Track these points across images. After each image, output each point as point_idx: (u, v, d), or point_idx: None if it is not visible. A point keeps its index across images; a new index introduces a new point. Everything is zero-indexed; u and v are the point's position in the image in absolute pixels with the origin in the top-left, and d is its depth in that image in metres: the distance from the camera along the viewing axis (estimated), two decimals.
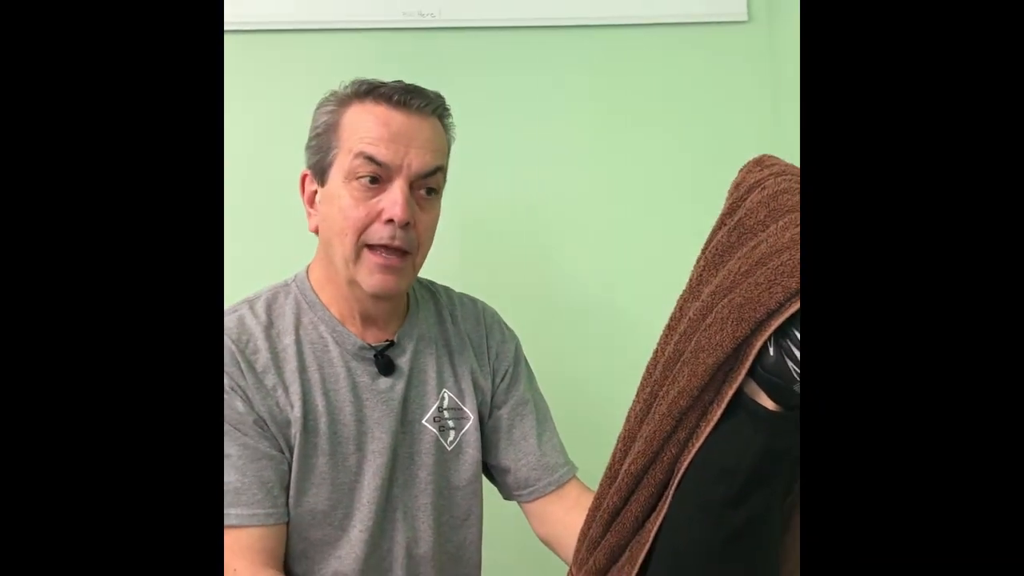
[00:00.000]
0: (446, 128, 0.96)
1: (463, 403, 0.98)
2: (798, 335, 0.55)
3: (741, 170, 0.67)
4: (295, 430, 0.88)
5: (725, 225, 0.63)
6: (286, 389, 0.88)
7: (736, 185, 0.66)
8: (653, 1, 1.50)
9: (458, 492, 0.97)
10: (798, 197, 0.59)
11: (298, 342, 0.91)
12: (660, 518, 0.62)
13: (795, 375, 0.56)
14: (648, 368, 0.65)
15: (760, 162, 0.67)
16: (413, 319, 0.98)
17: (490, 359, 1.02)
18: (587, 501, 0.72)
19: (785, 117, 1.52)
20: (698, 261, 0.65)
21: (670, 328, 0.64)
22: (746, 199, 0.63)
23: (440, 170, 0.92)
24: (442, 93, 0.96)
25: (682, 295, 0.65)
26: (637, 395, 0.65)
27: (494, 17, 1.47)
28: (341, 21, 1.41)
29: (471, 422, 0.98)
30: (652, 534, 0.63)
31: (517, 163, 1.51)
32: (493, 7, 1.46)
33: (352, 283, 0.90)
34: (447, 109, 0.96)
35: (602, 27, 1.51)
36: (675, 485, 0.62)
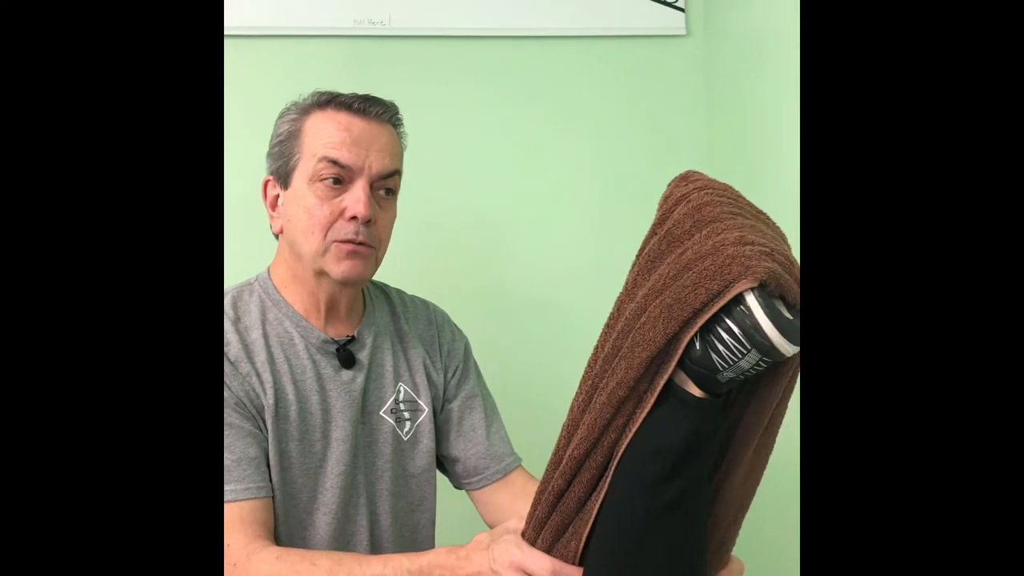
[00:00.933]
0: (400, 135, 1.01)
1: (418, 396, 1.03)
2: (720, 330, 0.62)
3: (669, 184, 0.74)
4: (268, 416, 0.92)
5: (656, 234, 0.70)
6: (259, 377, 0.93)
7: (665, 198, 0.73)
8: (597, 14, 1.56)
9: (413, 479, 1.02)
10: (719, 209, 0.67)
11: (265, 336, 0.95)
12: (601, 496, 0.69)
13: (718, 365, 0.63)
14: (589, 362, 0.71)
15: (685, 178, 0.74)
16: (371, 316, 1.03)
17: (441, 356, 1.08)
18: (532, 489, 0.78)
19: (718, 125, 1.61)
20: (633, 266, 0.71)
21: (609, 326, 0.70)
22: (674, 211, 0.70)
23: (397, 173, 0.98)
24: (394, 101, 1.01)
25: (619, 296, 0.71)
26: (580, 387, 0.71)
27: (442, 26, 1.51)
28: (293, 28, 1.44)
29: (425, 414, 1.03)
30: (594, 511, 0.69)
31: (465, 168, 1.55)
32: (441, 17, 1.51)
33: (320, 273, 0.95)
34: (400, 118, 1.02)
35: (547, 38, 1.57)
36: (614, 466, 0.68)
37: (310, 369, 0.96)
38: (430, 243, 1.49)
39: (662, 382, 0.65)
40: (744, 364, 0.62)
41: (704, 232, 0.65)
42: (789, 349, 0.61)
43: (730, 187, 0.72)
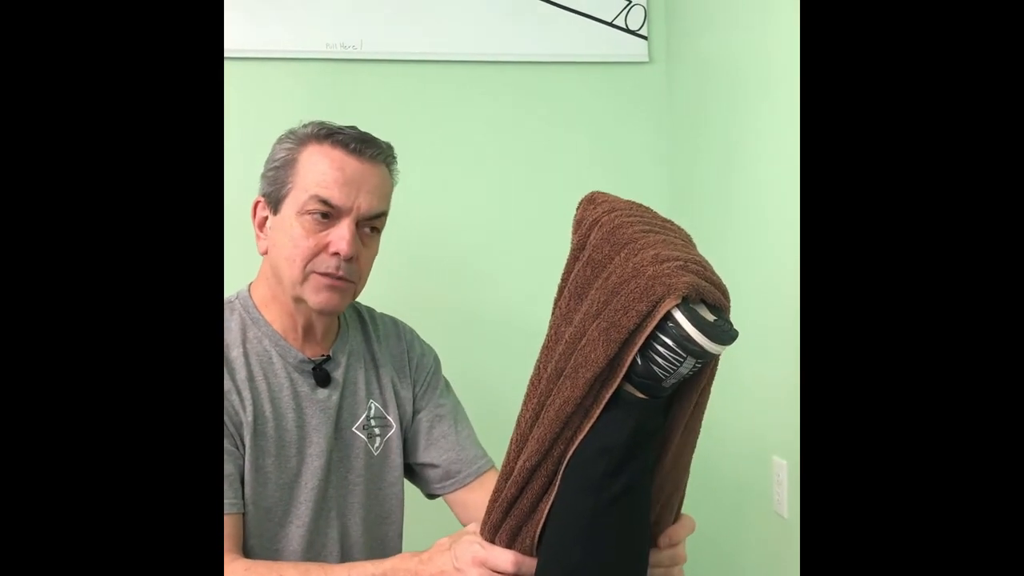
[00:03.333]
0: (391, 173, 1.04)
1: (387, 412, 1.06)
2: (656, 345, 0.67)
3: (578, 208, 0.79)
4: (247, 432, 0.94)
5: (579, 259, 0.75)
6: (239, 394, 0.95)
7: (578, 223, 0.77)
8: (562, 41, 1.62)
9: (382, 492, 1.05)
10: (631, 229, 0.72)
11: (245, 354, 0.98)
12: (551, 500, 0.74)
13: (661, 375, 0.68)
14: (532, 382, 0.76)
15: (592, 200, 0.78)
16: (344, 336, 1.06)
17: (410, 371, 1.11)
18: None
19: (679, 150, 1.66)
20: (562, 290, 0.76)
21: (548, 348, 0.75)
22: (589, 235, 0.74)
23: (384, 213, 1.01)
24: (372, 130, 1.03)
25: (554, 320, 0.76)
26: (525, 404, 0.76)
27: (413, 51, 1.55)
28: (268, 51, 1.47)
29: (394, 430, 1.06)
30: (544, 513, 0.74)
31: (434, 191, 1.59)
32: (411, 42, 1.55)
33: (299, 300, 0.98)
34: (394, 158, 1.04)
35: (512, 63, 1.62)
36: (562, 471, 0.73)
37: (287, 387, 0.98)
38: (403, 263, 1.52)
39: (607, 395, 0.70)
40: (683, 370, 0.67)
41: (622, 255, 0.70)
42: (719, 349, 0.66)
43: (635, 203, 0.77)
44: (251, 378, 0.97)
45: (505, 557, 0.75)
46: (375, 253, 1.03)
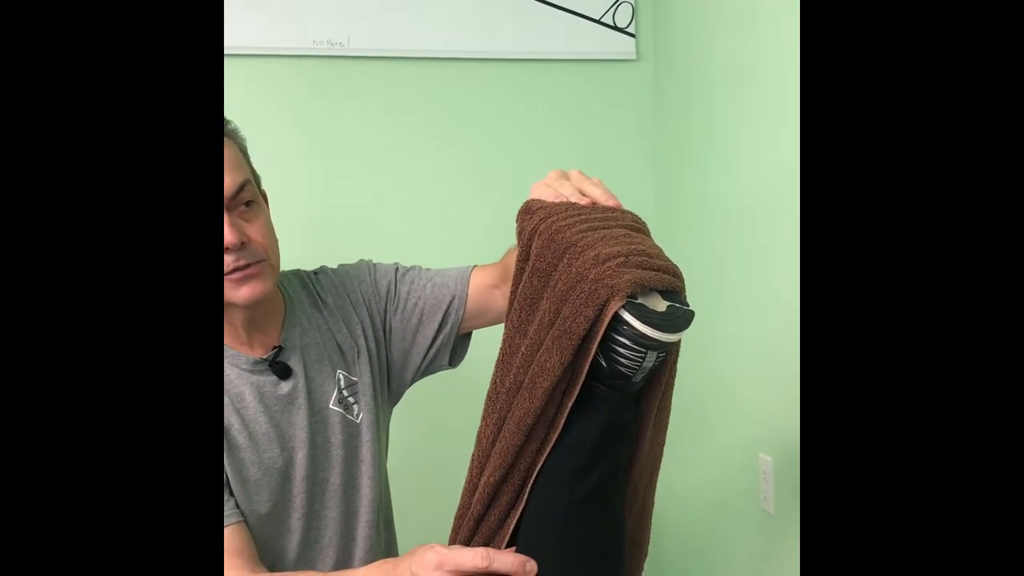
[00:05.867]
0: (231, 137, 0.96)
1: (352, 373, 1.04)
2: (614, 346, 0.66)
3: (517, 219, 0.77)
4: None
5: (524, 270, 0.74)
6: None
7: (519, 233, 0.76)
8: (549, 39, 1.62)
9: (365, 453, 1.04)
10: (569, 232, 0.70)
11: None
12: (518, 514, 0.73)
13: (627, 373, 0.68)
14: (490, 397, 0.75)
15: (528, 210, 0.77)
16: (292, 317, 1.03)
17: (365, 304, 1.08)
18: (502, 267, 0.93)
19: (665, 146, 1.67)
20: (512, 302, 0.75)
21: (504, 362, 0.74)
22: (531, 245, 0.73)
23: (247, 183, 0.93)
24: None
25: (506, 333, 0.75)
26: (484, 420, 0.75)
27: (400, 48, 1.55)
28: (255, 47, 1.46)
29: (366, 382, 1.04)
30: (511, 527, 0.73)
31: (424, 187, 1.59)
32: (399, 39, 1.55)
33: (228, 304, 0.94)
34: (225, 126, 0.96)
35: (500, 61, 1.62)
36: (530, 488, 0.72)
37: (250, 392, 0.96)
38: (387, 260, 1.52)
39: (570, 403, 0.70)
40: (648, 364, 0.67)
41: (565, 260, 0.69)
42: (675, 337, 0.66)
43: (571, 203, 0.76)
44: None
45: (471, 554, 0.72)
46: (268, 222, 0.96)
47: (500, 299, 1.04)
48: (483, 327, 1.09)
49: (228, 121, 0.96)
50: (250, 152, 0.99)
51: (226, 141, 0.94)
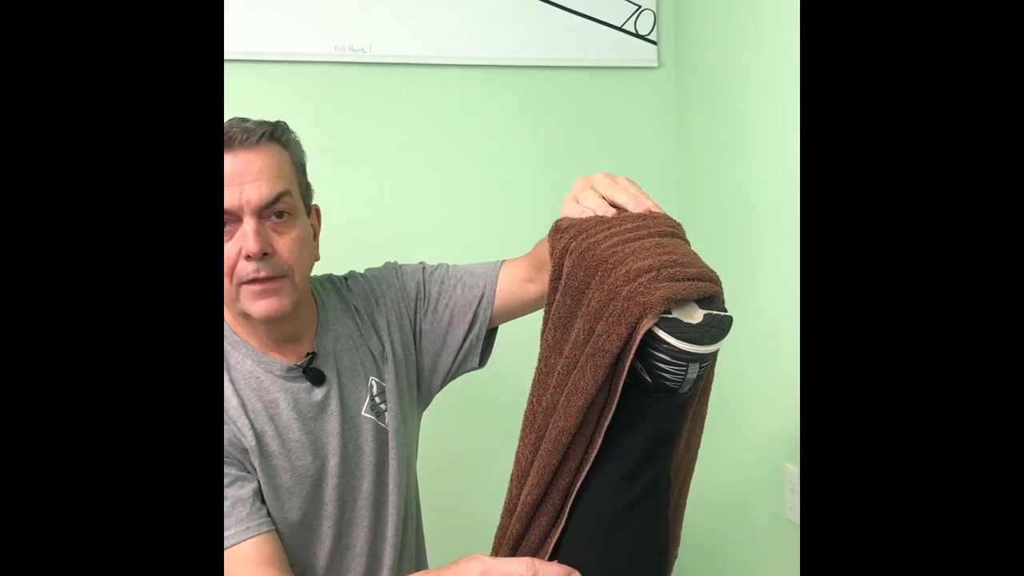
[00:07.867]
0: (286, 146, 0.95)
1: (384, 377, 1.03)
2: (655, 362, 0.66)
3: (548, 239, 0.78)
4: (253, 457, 0.92)
5: (557, 289, 0.73)
6: (235, 423, 0.92)
7: (551, 252, 0.76)
8: (571, 46, 1.61)
9: (393, 461, 1.03)
10: (600, 249, 0.70)
11: (232, 381, 0.94)
12: (558, 533, 0.72)
13: (674, 385, 0.67)
14: (527, 417, 0.74)
15: (558, 228, 0.77)
16: (325, 323, 1.02)
17: (395, 308, 1.06)
18: (533, 259, 0.94)
19: (687, 155, 1.66)
20: (547, 321, 0.75)
21: (541, 382, 0.74)
22: (563, 264, 0.73)
23: (285, 194, 0.91)
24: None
25: (542, 353, 0.74)
26: (522, 440, 0.74)
27: (422, 55, 1.55)
28: (276, 53, 1.46)
29: (395, 388, 1.03)
30: (551, 547, 0.73)
31: (448, 195, 1.59)
32: (420, 46, 1.55)
33: (246, 315, 0.93)
34: (281, 129, 0.95)
35: (522, 68, 1.61)
36: (569, 507, 0.72)
37: (284, 399, 0.95)
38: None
39: (606, 423, 0.69)
40: (691, 375, 0.66)
41: (597, 277, 0.68)
42: (713, 347, 0.65)
43: (600, 217, 0.75)
44: (243, 404, 0.93)
45: (516, 565, 0.71)
46: (299, 237, 0.93)
47: (534, 292, 1.02)
48: (513, 319, 1.08)
49: (288, 131, 0.96)
50: None
51: (277, 149, 0.93)
